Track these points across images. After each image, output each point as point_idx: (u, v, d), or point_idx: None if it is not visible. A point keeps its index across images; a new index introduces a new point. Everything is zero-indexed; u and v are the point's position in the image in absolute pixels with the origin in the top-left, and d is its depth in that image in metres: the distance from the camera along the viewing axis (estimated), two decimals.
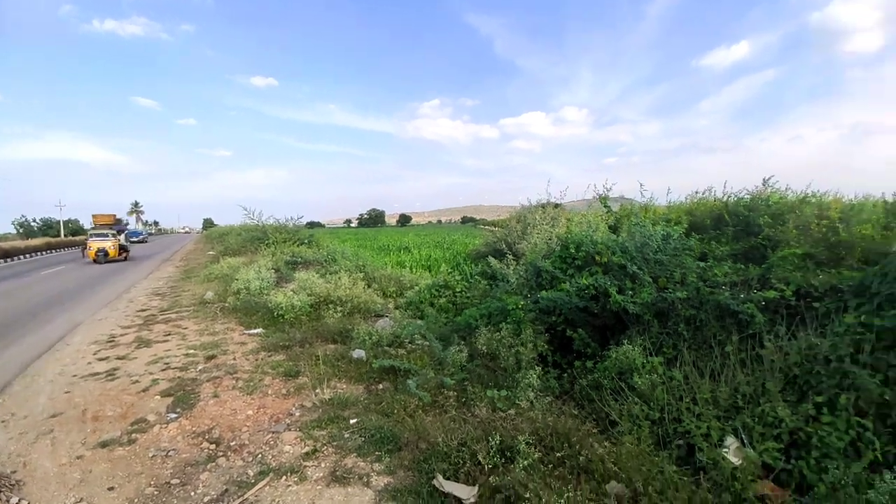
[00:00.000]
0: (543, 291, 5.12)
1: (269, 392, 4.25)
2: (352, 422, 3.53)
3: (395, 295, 10.60)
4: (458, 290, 9.38)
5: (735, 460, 2.61)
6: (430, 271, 13.41)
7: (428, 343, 5.39)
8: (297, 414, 3.76)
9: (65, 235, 51.91)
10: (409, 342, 5.69)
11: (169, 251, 28.60)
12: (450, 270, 10.88)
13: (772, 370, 3.17)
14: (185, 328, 6.99)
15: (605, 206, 8.89)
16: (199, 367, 5.06)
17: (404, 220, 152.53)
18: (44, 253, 29.52)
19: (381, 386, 4.52)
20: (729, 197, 9.35)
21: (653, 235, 5.35)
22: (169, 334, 6.61)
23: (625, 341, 4.22)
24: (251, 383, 4.46)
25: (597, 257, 5.46)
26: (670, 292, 4.34)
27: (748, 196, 8.95)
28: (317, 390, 4.23)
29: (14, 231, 53.08)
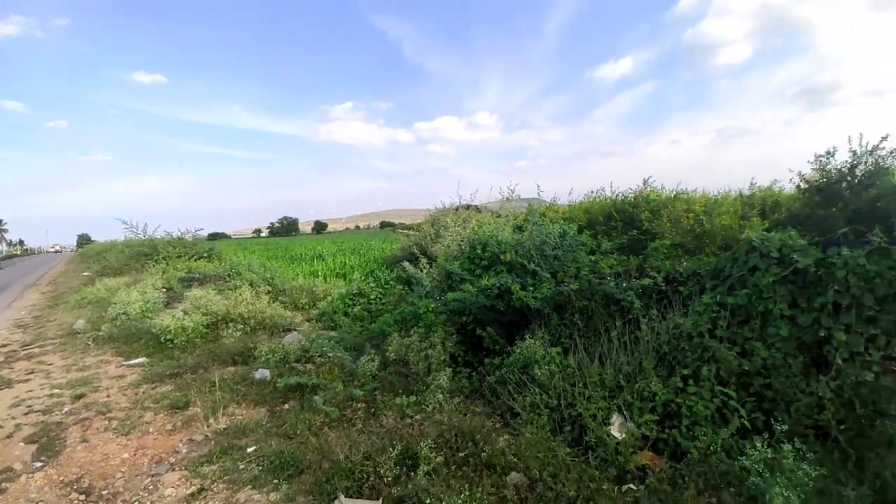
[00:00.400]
0: (450, 293, 5.19)
1: (151, 430, 3.76)
2: (249, 450, 3.25)
3: (307, 307, 10.10)
4: (372, 297, 9.21)
5: (618, 435, 2.86)
6: (345, 279, 13.01)
7: (339, 355, 5.19)
8: (185, 451, 3.37)
9: None
10: (319, 356, 5.43)
11: (34, 275, 24.29)
12: (364, 277, 10.65)
13: (647, 350, 3.53)
14: (50, 364, 5.96)
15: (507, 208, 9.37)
16: (66, 409, 4.34)
17: (320, 227, 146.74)
18: None
19: (286, 406, 4.24)
20: (617, 196, 10.39)
21: (551, 233, 5.72)
22: (32, 372, 5.59)
23: (528, 336, 4.43)
24: (127, 422, 3.91)
25: (502, 256, 5.70)
26: (566, 285, 4.65)
27: (632, 194, 10.03)
28: (209, 421, 3.84)
29: None
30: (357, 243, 31.31)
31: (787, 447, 2.46)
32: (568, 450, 2.72)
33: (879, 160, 5.22)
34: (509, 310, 5.21)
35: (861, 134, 5.27)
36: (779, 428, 2.69)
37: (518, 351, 4.18)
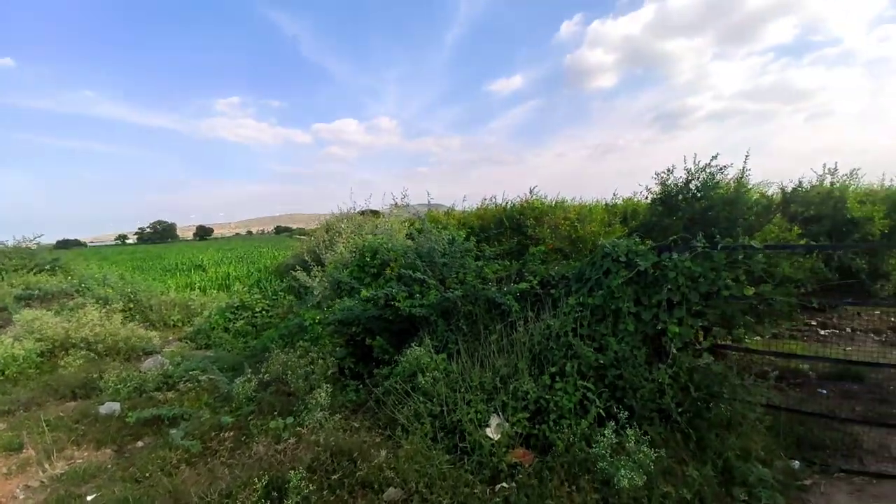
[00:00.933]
0: (333, 303, 5.01)
1: None
2: (89, 499, 2.75)
3: (180, 324, 8.99)
4: (258, 309, 8.53)
5: (494, 436, 2.99)
6: (227, 291, 11.86)
7: (212, 378, 4.67)
8: (22, 497, 2.76)
9: None
10: (186, 381, 4.82)
11: None
12: (248, 288, 9.82)
13: (521, 351, 3.77)
14: None
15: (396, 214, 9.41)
16: None
17: (204, 232, 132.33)
18: None
19: (140, 444, 3.69)
20: (507, 203, 11.05)
21: (440, 240, 5.83)
22: None
23: (415, 343, 4.45)
24: None
25: (392, 265, 5.66)
26: (452, 292, 4.77)
27: (519, 202, 10.76)
28: (45, 465, 3.17)
29: None
30: (246, 251, 28.89)
31: (630, 431, 2.79)
32: (447, 457, 2.76)
33: (710, 176, 6.29)
34: (398, 318, 5.19)
35: (696, 153, 6.31)
36: (621, 415, 3.05)
37: (405, 360, 4.17)
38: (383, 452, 2.86)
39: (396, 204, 10.23)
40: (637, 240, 3.96)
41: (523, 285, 4.52)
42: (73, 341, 5.64)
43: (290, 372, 4.10)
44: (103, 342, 5.73)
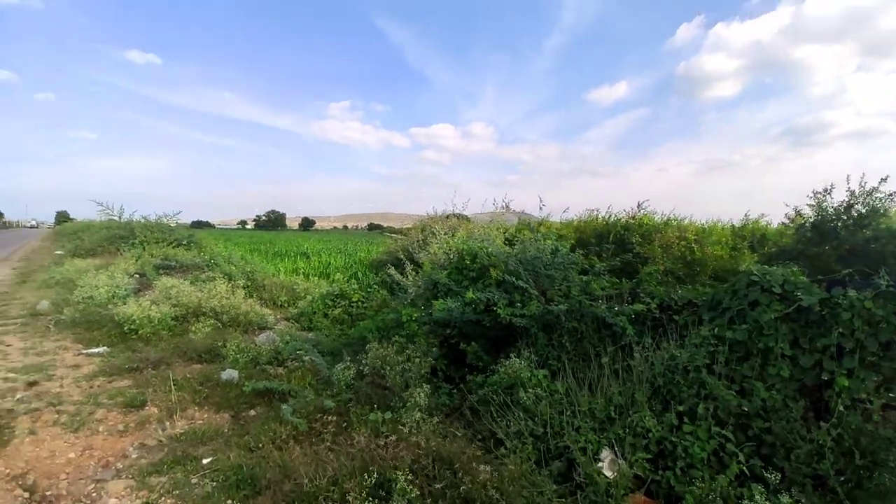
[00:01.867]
0: (435, 302, 4.97)
1: (101, 428, 3.44)
2: (205, 462, 2.97)
3: (286, 305, 9.76)
4: (354, 299, 8.92)
5: (609, 474, 2.67)
6: (327, 279, 12.68)
7: (314, 360, 4.92)
8: (134, 455, 3.07)
9: None
10: (293, 359, 5.14)
11: (6, 249, 23.30)
12: (346, 279, 10.35)
13: (639, 380, 3.36)
14: (9, 345, 5.55)
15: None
16: (18, 396, 3.98)
17: (307, 223, 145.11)
18: None
19: (252, 412, 3.96)
20: (610, 217, 10.34)
21: (544, 249, 5.56)
22: None
23: (513, 354, 4.23)
24: (77, 418, 3.58)
25: (491, 270, 5.51)
26: (556, 305, 4.48)
27: (624, 217, 9.99)
28: (165, 424, 3.53)
29: None
30: (343, 243, 30.89)
31: (786, 500, 2.30)
32: (555, 487, 2.51)
33: (877, 202, 5.19)
34: (496, 325, 5.02)
35: (863, 174, 5.24)
36: (771, 477, 2.54)
37: (503, 370, 3.98)
38: (485, 468, 2.69)
39: (501, 210, 10.07)
40: (795, 269, 3.35)
41: (639, 307, 4.08)
42: (204, 310, 6.35)
43: (388, 367, 4.12)
44: (227, 313, 6.38)
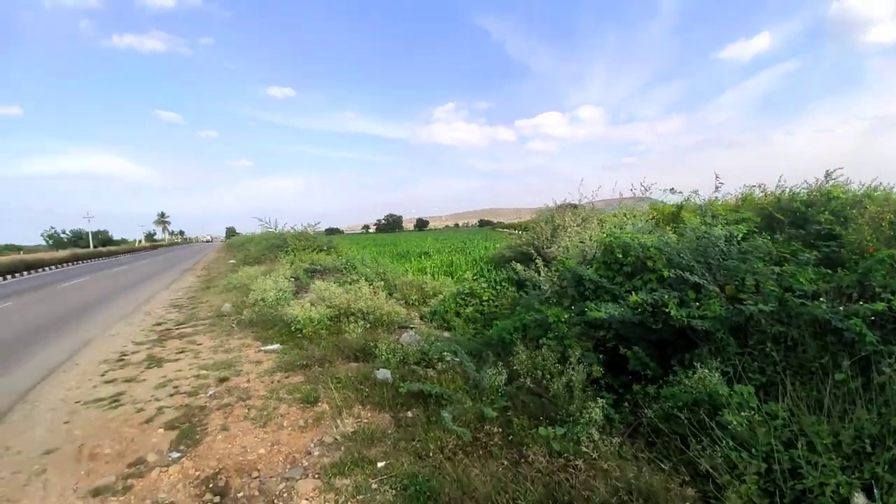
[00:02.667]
0: (591, 304, 4.48)
1: (285, 424, 3.74)
2: (379, 465, 2.98)
3: (417, 304, 10.08)
4: (485, 298, 8.81)
5: None
6: (452, 277, 12.86)
7: (458, 360, 4.83)
8: (316, 453, 3.23)
9: (94, 246, 53.39)
10: (438, 360, 5.13)
11: (191, 260, 28.88)
12: (475, 277, 10.29)
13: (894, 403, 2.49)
14: (200, 344, 6.59)
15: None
16: (210, 392, 4.61)
17: (421, 224, 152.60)
18: (70, 264, 30.12)
19: (409, 414, 3.97)
20: (782, 192, 8.51)
21: (714, 237, 4.67)
22: (182, 351, 6.22)
23: (697, 363, 3.56)
24: (265, 412, 3.96)
25: (648, 263, 4.82)
26: (750, 304, 3.66)
27: (805, 190, 8.11)
28: (337, 421, 3.70)
29: (44, 243, 54.97)
30: (459, 241, 31.52)
31: None
32: None
33: None
34: (663, 327, 4.35)
35: None
36: None
37: (687, 382, 3.35)
38: None
39: (640, 196, 9.05)
40: None
41: (879, 305, 3.10)
42: (353, 310, 6.79)
43: (547, 374, 3.79)
44: (373, 313, 6.73)
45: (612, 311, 4.13)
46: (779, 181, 8.41)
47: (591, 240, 7.14)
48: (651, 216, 8.06)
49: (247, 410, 4.04)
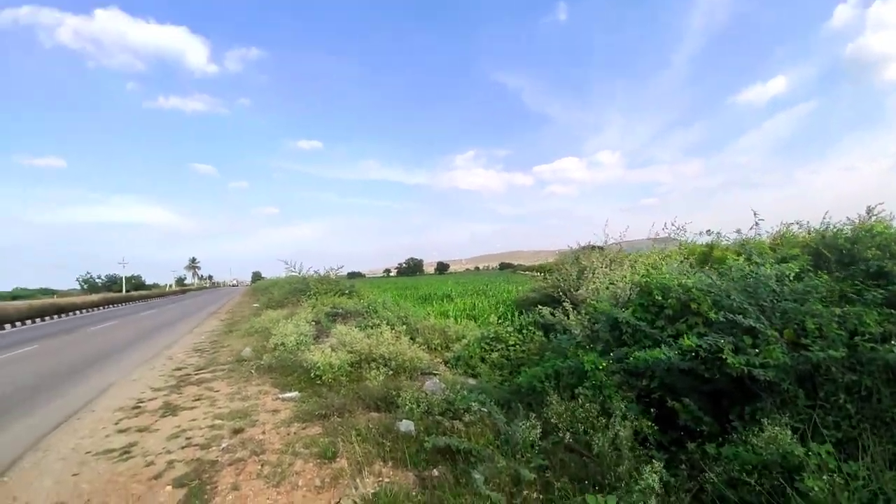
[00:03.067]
0: (635, 350, 4.12)
1: (300, 483, 3.43)
2: None
3: (440, 348, 9.73)
4: (511, 342, 8.40)
5: None
6: (475, 321, 12.49)
7: (487, 411, 4.46)
8: None
9: (126, 290, 55.23)
10: (465, 411, 4.76)
11: (216, 304, 29.31)
12: (499, 321, 9.93)
13: None
14: (217, 391, 6.39)
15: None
16: (224, 444, 4.34)
17: (442, 267, 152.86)
18: (101, 308, 30.95)
19: (435, 472, 3.61)
20: (826, 229, 8.04)
21: (764, 276, 4.32)
22: (199, 398, 6.02)
23: (762, 419, 3.13)
24: (279, 469, 3.66)
25: (692, 305, 4.46)
26: (817, 350, 3.26)
27: (848, 227, 7.64)
28: (357, 481, 3.37)
29: (78, 287, 57.17)
30: (480, 284, 31.17)
31: None
32: None
33: None
34: (716, 376, 3.93)
35: None
36: None
37: (756, 441, 2.92)
38: None
39: (670, 235, 8.73)
40: None
41: None
42: (374, 356, 6.53)
43: (589, 429, 3.41)
44: (395, 359, 6.44)
45: (659, 354, 3.76)
46: (824, 217, 7.98)
47: (623, 281, 6.80)
48: (685, 256, 7.69)
49: (260, 467, 3.74)
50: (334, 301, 14.63)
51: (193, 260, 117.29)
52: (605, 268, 8.85)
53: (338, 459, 3.82)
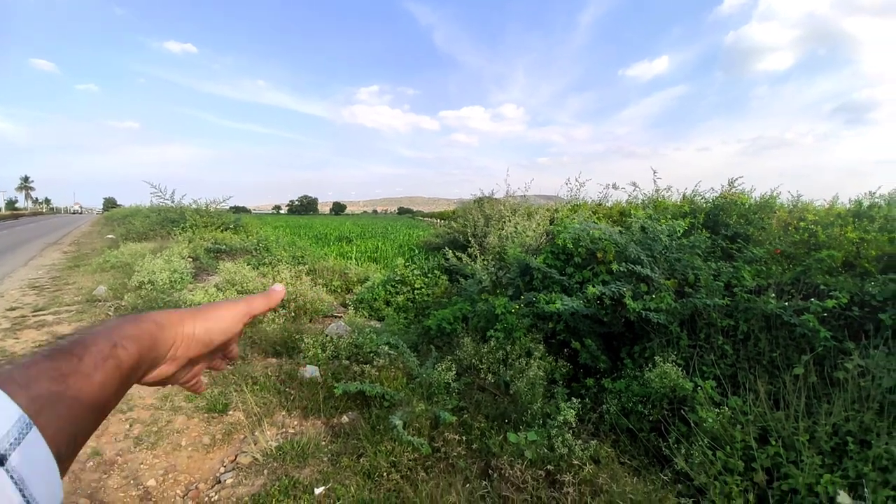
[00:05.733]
0: (543, 296, 4.24)
1: (184, 442, 2.92)
2: (317, 492, 2.38)
3: (341, 290, 9.29)
4: (417, 286, 8.32)
5: None
6: (377, 264, 12.17)
7: (397, 355, 4.31)
8: (230, 482, 2.51)
9: None
10: (375, 355, 4.55)
11: (57, 233, 24.14)
12: (406, 263, 9.77)
13: (866, 399, 2.54)
14: (63, 338, 5.20)
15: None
16: None
17: (339, 208, 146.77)
18: None
19: (345, 419, 3.39)
20: (694, 196, 9.21)
21: (658, 231, 4.72)
22: (42, 345, 4.83)
23: (656, 357, 3.47)
24: (154, 428, 3.07)
25: (598, 255, 4.73)
26: (699, 298, 3.68)
27: (716, 195, 8.85)
28: (256, 434, 2.99)
29: None
30: (380, 227, 30.54)
31: None
32: None
33: None
34: (614, 320, 4.27)
35: None
36: None
37: (652, 376, 3.22)
38: None
39: (571, 188, 9.15)
40: None
41: (830, 303, 3.22)
42: None
43: (510, 370, 3.45)
44: (295, 301, 5.88)
45: (569, 303, 3.91)
46: (695, 186, 9.08)
47: (534, 230, 7.02)
48: (593, 211, 8.22)
49: (128, 426, 3.10)
50: (216, 236, 12.94)
51: (26, 179, 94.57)
52: (517, 217, 9.09)
53: (231, 412, 3.36)
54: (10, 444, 0.27)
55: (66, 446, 0.33)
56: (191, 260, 9.62)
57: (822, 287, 3.50)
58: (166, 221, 13.72)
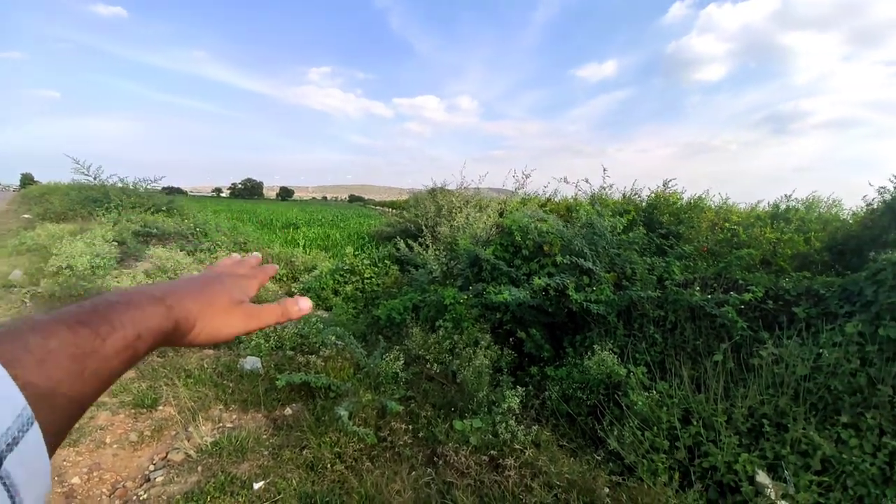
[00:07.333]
0: (492, 287, 4.33)
1: (108, 439, 2.70)
2: (256, 487, 2.30)
3: (287, 279, 8.96)
4: (367, 276, 8.20)
5: (781, 502, 2.15)
6: (326, 252, 11.84)
7: (344, 345, 4.24)
8: (160, 479, 2.36)
9: None
10: (321, 345, 4.44)
11: None
12: (356, 252, 9.58)
13: (780, 385, 2.84)
14: None
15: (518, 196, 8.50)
16: None
17: (286, 193, 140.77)
18: None
19: (288, 411, 3.29)
20: (632, 194, 9.76)
21: (601, 226, 4.96)
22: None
23: (594, 345, 3.66)
24: (76, 425, 2.82)
25: (545, 247, 4.89)
26: (635, 290, 3.92)
27: (652, 194, 9.42)
28: (189, 429, 2.83)
29: None
30: (330, 215, 29.68)
31: None
32: None
33: None
34: (557, 311, 4.45)
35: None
36: None
37: (591, 364, 3.40)
38: (623, 496, 2.13)
39: (518, 185, 9.34)
40: None
41: (747, 296, 3.54)
42: None
43: (457, 360, 3.50)
44: None
45: (516, 294, 4.02)
46: (633, 185, 9.62)
47: (484, 222, 7.12)
48: (541, 205, 8.45)
49: None
50: (146, 218, 11.93)
51: None
52: (469, 208, 9.17)
53: (161, 408, 3.14)
54: (8, 445, 0.23)
55: (55, 447, 0.28)
56: (116, 244, 8.84)
57: (740, 282, 3.83)
58: (88, 201, 12.47)
